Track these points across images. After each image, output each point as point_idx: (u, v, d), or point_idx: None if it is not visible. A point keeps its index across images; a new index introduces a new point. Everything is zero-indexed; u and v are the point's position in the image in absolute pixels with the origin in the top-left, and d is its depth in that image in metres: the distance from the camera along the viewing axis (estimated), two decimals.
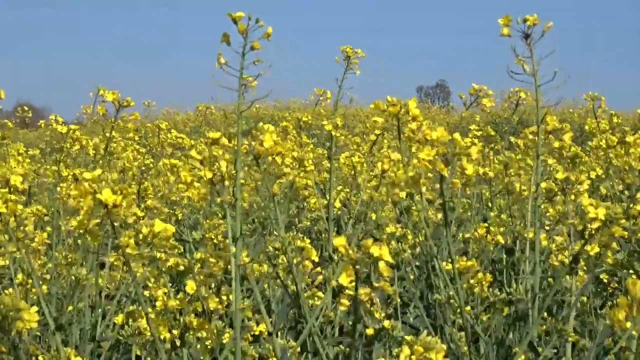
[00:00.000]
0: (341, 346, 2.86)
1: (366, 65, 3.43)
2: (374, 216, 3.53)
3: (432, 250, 2.25)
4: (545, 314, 2.69)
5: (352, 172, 3.96)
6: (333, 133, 3.45)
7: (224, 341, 2.00)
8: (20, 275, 2.48)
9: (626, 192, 3.77)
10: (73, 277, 2.41)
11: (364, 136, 5.03)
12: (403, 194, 2.22)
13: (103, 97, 4.54)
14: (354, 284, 1.44)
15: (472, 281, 2.60)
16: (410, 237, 3.28)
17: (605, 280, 3.30)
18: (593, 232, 1.69)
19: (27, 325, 1.47)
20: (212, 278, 1.94)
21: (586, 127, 4.56)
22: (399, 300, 3.12)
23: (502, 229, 3.20)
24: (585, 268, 1.91)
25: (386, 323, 2.68)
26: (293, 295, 2.34)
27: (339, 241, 1.40)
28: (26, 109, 8.97)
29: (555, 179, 2.44)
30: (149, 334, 1.89)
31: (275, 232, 3.03)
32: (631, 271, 3.03)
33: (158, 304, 1.88)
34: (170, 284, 2.64)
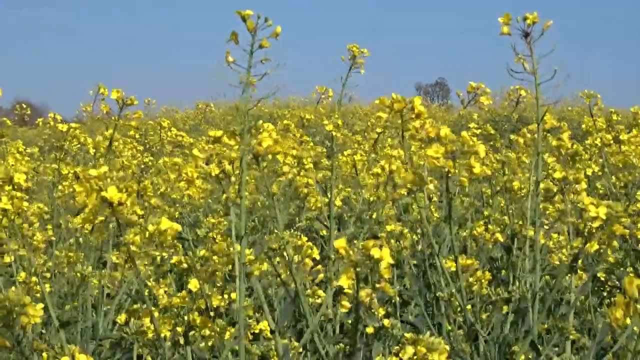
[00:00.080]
0: (341, 344, 2.87)
1: (365, 63, 3.43)
2: (374, 215, 3.54)
3: (434, 248, 2.25)
4: (544, 313, 2.70)
5: (354, 171, 3.96)
6: (334, 133, 3.46)
7: (225, 339, 2.00)
8: (23, 274, 2.49)
9: (622, 190, 3.78)
10: (79, 275, 2.41)
11: (365, 134, 5.03)
12: (403, 192, 2.22)
13: (103, 95, 4.55)
14: (354, 285, 1.44)
15: (471, 279, 2.60)
16: (409, 235, 3.28)
17: (603, 279, 3.31)
18: (594, 230, 1.70)
19: (32, 321, 1.48)
20: (215, 276, 1.94)
21: (582, 126, 4.57)
22: (398, 298, 3.13)
23: (499, 227, 3.21)
24: (584, 267, 1.92)
25: (386, 322, 2.69)
26: (293, 293, 2.34)
27: (340, 243, 1.41)
28: (24, 106, 8.96)
29: (553, 178, 2.45)
30: (150, 333, 1.89)
31: (276, 231, 3.04)
32: (629, 269, 3.04)
33: (163, 301, 1.89)
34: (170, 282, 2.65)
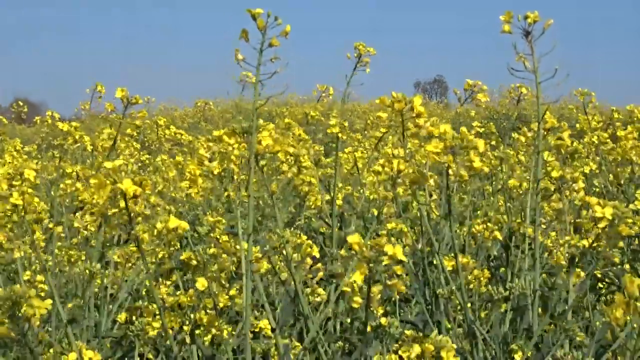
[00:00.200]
0: (340, 342, 2.87)
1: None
2: (375, 212, 3.54)
3: (434, 246, 2.26)
4: (541, 310, 2.70)
5: (355, 169, 3.96)
6: (340, 135, 3.46)
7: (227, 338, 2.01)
8: (28, 272, 2.49)
9: (617, 188, 3.80)
10: (87, 271, 2.41)
11: (365, 132, 5.03)
12: (402, 190, 2.23)
13: (100, 93, 4.55)
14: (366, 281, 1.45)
15: (469, 277, 2.61)
16: (410, 233, 3.28)
17: (600, 275, 3.31)
18: (600, 230, 1.70)
19: (37, 313, 1.49)
20: (223, 274, 1.95)
21: (577, 125, 4.59)
22: (397, 297, 3.13)
23: (497, 226, 3.21)
24: (582, 265, 1.92)
25: (383, 320, 2.69)
26: (293, 292, 2.35)
27: (353, 238, 1.42)
28: (21, 104, 8.96)
29: (551, 177, 2.45)
30: (152, 332, 1.90)
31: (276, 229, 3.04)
32: (626, 267, 3.05)
33: (170, 300, 1.89)
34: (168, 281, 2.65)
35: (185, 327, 1.90)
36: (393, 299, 3.07)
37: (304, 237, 2.36)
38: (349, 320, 3.19)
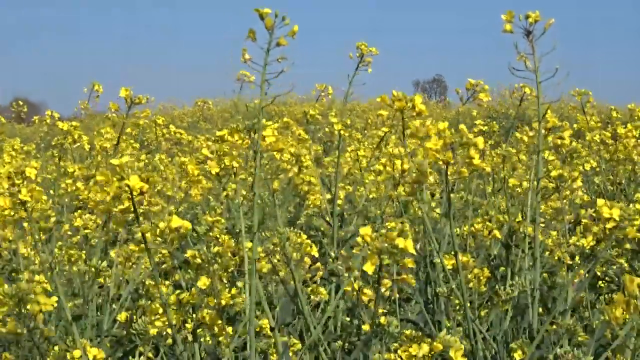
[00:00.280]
0: (339, 342, 2.88)
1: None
2: (376, 211, 3.54)
3: (434, 244, 2.26)
4: (541, 310, 2.71)
5: (356, 168, 3.96)
6: (342, 132, 3.46)
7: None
8: (26, 273, 2.48)
9: (615, 187, 3.80)
10: (93, 269, 2.41)
11: (364, 131, 5.03)
12: (403, 190, 2.23)
13: (97, 92, 4.54)
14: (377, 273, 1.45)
15: (469, 276, 2.61)
16: (410, 232, 3.28)
17: (599, 273, 3.32)
18: (608, 232, 1.70)
19: (44, 309, 1.49)
20: (226, 273, 1.95)
21: (575, 125, 4.59)
22: (397, 295, 3.13)
23: (496, 224, 3.21)
24: (581, 263, 1.92)
25: (382, 319, 2.69)
26: (292, 291, 2.35)
27: (365, 230, 1.43)
28: (21, 103, 8.95)
29: (550, 177, 2.46)
30: (153, 330, 1.90)
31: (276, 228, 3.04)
32: (623, 263, 3.05)
33: (172, 297, 1.89)
34: (167, 280, 2.65)
35: (187, 325, 1.90)
36: (393, 297, 3.08)
37: (304, 237, 2.37)
38: (348, 319, 3.20)
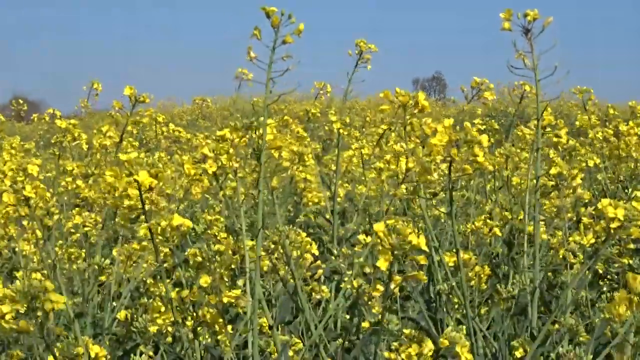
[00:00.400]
0: (340, 340, 2.87)
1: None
2: (376, 209, 3.54)
3: (434, 241, 2.26)
4: (542, 309, 2.71)
5: (355, 165, 3.95)
6: (342, 131, 3.46)
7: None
8: (24, 272, 2.48)
9: (616, 185, 3.80)
10: (95, 267, 2.41)
11: (363, 129, 5.03)
12: (403, 190, 2.23)
13: (96, 91, 4.53)
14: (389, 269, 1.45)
15: (470, 274, 2.61)
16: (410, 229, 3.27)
17: (601, 271, 3.31)
18: (612, 231, 1.70)
19: (56, 307, 1.49)
20: (228, 271, 1.95)
21: (577, 123, 4.59)
22: (398, 293, 3.12)
23: (498, 223, 3.21)
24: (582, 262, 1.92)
25: (380, 317, 2.69)
26: (291, 289, 2.34)
27: (379, 226, 1.43)
28: (21, 102, 8.95)
29: (549, 175, 2.45)
30: (154, 328, 1.90)
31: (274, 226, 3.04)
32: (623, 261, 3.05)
33: (173, 294, 1.89)
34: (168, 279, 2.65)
35: (188, 323, 1.90)
36: (394, 296, 3.07)
37: (304, 234, 2.36)
38: (348, 317, 3.19)
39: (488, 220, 3.20)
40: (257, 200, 2.01)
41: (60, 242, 3.15)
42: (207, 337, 2.07)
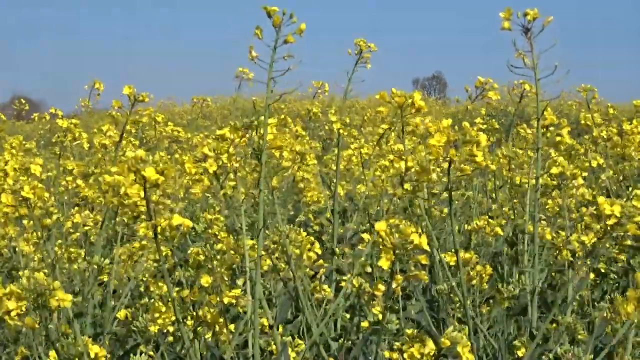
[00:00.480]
0: (341, 340, 2.87)
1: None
2: (376, 208, 3.54)
3: (434, 241, 2.26)
4: (543, 307, 2.70)
5: (355, 165, 3.94)
6: (341, 131, 3.45)
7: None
8: (26, 271, 2.47)
9: (619, 184, 3.79)
10: (95, 266, 2.41)
11: (362, 129, 5.02)
12: (404, 189, 2.22)
13: (98, 90, 4.53)
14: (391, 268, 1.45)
15: (471, 273, 2.61)
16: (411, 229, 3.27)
17: (604, 270, 3.31)
18: (609, 228, 1.70)
19: (62, 305, 1.49)
20: (229, 270, 1.95)
21: (581, 121, 4.57)
22: (400, 292, 3.12)
23: (501, 222, 3.20)
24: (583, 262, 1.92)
25: (381, 316, 2.69)
26: (292, 288, 2.34)
27: (380, 226, 1.43)
28: (23, 101, 8.94)
29: (551, 174, 2.45)
30: (154, 328, 1.90)
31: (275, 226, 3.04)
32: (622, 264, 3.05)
33: (174, 294, 1.89)
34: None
35: (188, 323, 1.90)
36: (396, 295, 3.07)
37: (304, 234, 2.36)
38: (348, 316, 3.19)
39: (490, 220, 3.20)
40: (258, 199, 2.01)
41: (60, 241, 3.14)
42: (207, 336, 2.07)
